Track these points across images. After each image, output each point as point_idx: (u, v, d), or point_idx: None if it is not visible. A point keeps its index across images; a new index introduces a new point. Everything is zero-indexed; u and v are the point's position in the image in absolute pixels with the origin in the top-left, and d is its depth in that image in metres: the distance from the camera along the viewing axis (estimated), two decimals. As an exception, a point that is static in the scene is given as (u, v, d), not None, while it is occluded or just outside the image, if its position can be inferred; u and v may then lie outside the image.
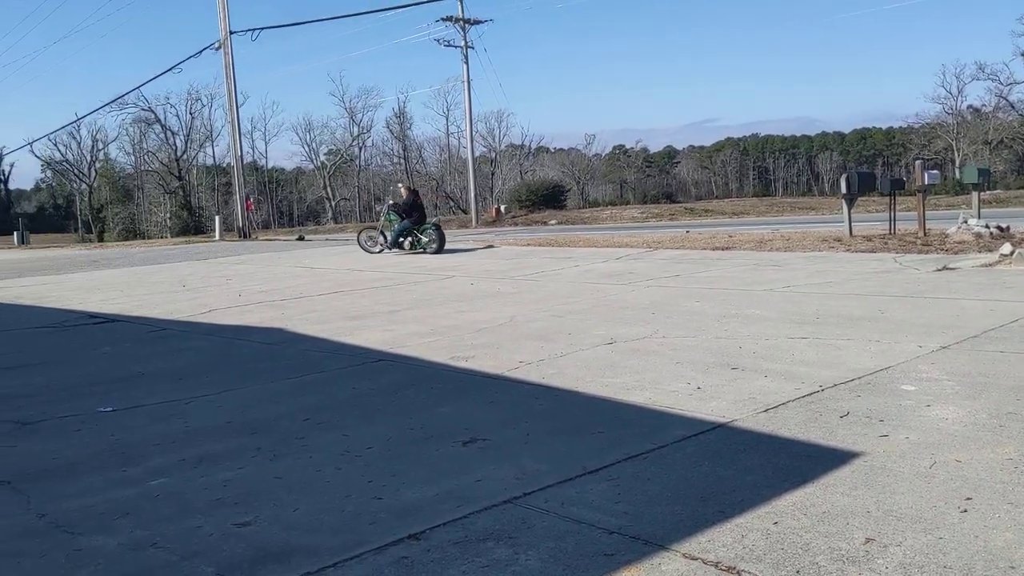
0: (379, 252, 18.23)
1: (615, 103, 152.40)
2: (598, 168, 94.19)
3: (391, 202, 18.71)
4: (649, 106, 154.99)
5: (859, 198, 17.88)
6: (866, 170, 52.30)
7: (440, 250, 17.62)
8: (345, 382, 6.27)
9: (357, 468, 4.23)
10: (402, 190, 19.23)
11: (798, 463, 3.96)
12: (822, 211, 39.83)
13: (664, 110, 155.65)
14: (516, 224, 42.15)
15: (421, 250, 17.83)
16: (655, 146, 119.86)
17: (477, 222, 44.90)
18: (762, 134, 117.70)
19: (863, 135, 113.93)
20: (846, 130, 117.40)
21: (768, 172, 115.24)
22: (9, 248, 41.23)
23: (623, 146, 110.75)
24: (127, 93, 65.09)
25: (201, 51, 37.55)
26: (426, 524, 3.44)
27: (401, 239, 17.98)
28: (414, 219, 18.00)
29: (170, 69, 50.87)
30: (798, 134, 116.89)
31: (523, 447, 4.47)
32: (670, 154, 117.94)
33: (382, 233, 18.51)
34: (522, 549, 3.16)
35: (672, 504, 3.53)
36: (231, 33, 35.70)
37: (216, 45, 36.10)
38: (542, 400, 5.48)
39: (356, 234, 18.56)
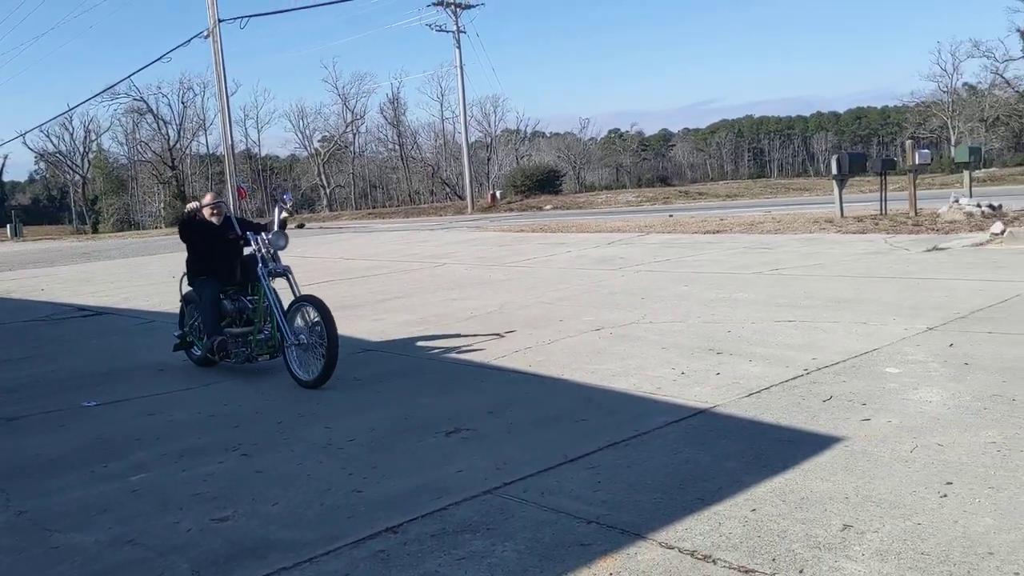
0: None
1: (609, 87, 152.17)
2: (594, 152, 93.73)
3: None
4: (644, 89, 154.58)
5: (852, 179, 17.87)
6: (859, 150, 52.41)
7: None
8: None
9: (338, 461, 4.21)
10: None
11: (779, 448, 3.95)
12: (816, 192, 39.74)
13: (659, 93, 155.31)
14: (512, 210, 42.05)
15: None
16: (650, 129, 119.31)
17: (473, 208, 44.84)
18: (757, 115, 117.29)
19: (858, 115, 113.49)
20: (841, 110, 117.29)
21: (763, 154, 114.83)
22: (2, 241, 40.95)
23: (618, 130, 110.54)
24: (118, 83, 64.16)
25: (190, 40, 37.16)
26: (404, 517, 3.42)
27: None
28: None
29: (159, 58, 51.09)
30: (793, 115, 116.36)
31: (506, 436, 4.46)
32: (665, 137, 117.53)
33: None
34: (499, 540, 3.15)
35: (651, 492, 3.52)
36: (219, 21, 35.41)
37: (205, 33, 35.79)
38: (528, 388, 5.46)
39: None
